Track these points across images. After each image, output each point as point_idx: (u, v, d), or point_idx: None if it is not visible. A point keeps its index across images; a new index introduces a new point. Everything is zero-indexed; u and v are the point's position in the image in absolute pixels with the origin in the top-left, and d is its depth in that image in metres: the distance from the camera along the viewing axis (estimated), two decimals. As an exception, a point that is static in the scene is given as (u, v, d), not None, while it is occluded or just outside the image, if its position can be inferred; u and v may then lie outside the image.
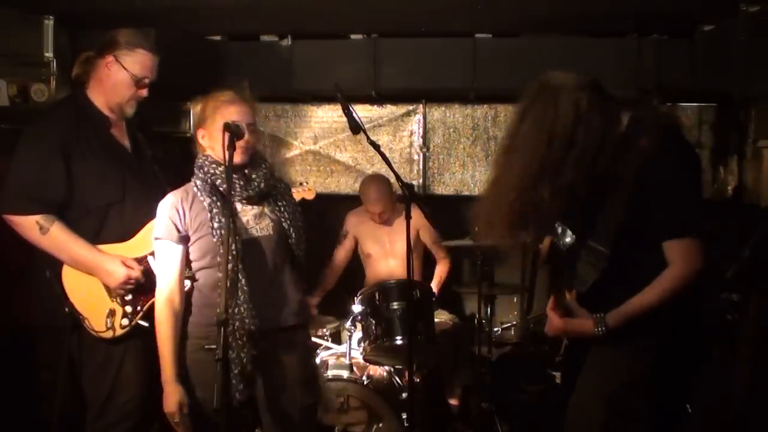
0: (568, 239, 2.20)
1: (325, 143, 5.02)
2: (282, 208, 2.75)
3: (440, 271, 4.53)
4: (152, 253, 2.82)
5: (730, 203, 4.53)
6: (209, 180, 2.66)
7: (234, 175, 2.59)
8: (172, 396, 2.57)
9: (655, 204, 2.09)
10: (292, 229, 2.74)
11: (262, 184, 2.69)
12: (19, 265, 2.94)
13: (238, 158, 2.58)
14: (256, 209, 2.72)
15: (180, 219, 2.65)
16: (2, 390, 3.46)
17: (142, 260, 2.83)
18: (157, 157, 3.01)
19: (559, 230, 2.19)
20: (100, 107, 2.88)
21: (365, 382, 3.58)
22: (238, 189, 2.64)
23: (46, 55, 3.76)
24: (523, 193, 2.13)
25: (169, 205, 2.67)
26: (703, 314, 2.31)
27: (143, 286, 2.81)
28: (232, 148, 2.48)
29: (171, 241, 2.65)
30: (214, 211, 2.60)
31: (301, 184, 3.32)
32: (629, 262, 2.16)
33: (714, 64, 3.95)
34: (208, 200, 2.62)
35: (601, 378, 2.27)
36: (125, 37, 2.85)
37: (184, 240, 2.64)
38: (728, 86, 3.81)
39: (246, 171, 2.68)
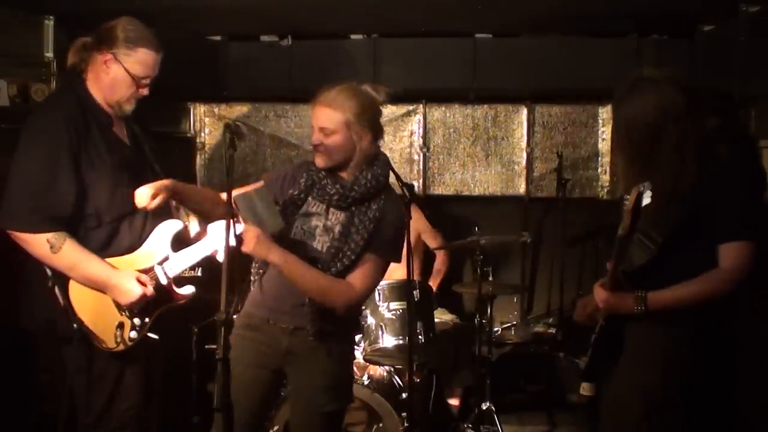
0: (647, 198, 2.25)
1: (325, 143, 5.01)
2: (357, 234, 2.55)
3: (439, 266, 4.53)
4: (160, 263, 2.73)
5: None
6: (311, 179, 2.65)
7: (323, 174, 2.61)
8: None
9: (720, 208, 2.17)
10: (342, 260, 2.54)
11: (350, 192, 2.57)
12: (19, 266, 2.89)
13: (319, 162, 2.60)
14: (331, 219, 2.61)
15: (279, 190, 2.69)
16: (2, 391, 3.46)
17: (150, 271, 2.71)
18: (156, 156, 2.88)
19: (645, 184, 2.23)
20: (100, 102, 2.69)
21: (365, 382, 3.58)
22: (320, 190, 2.61)
23: (46, 55, 3.75)
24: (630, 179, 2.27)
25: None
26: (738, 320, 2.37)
27: (152, 298, 2.69)
28: (232, 148, 2.47)
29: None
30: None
31: None
32: (680, 257, 2.22)
33: (714, 64, 3.96)
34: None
35: (637, 366, 2.31)
36: (125, 33, 2.65)
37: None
38: (728, 86, 3.81)
39: (341, 173, 2.63)
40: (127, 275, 2.63)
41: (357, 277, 2.56)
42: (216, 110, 5.11)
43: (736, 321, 2.32)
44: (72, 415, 2.75)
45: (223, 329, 2.32)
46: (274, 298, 2.64)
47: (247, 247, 2.40)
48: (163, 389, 3.21)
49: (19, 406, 3.50)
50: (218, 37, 4.53)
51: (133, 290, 2.61)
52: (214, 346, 2.39)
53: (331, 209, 2.61)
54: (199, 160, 5.15)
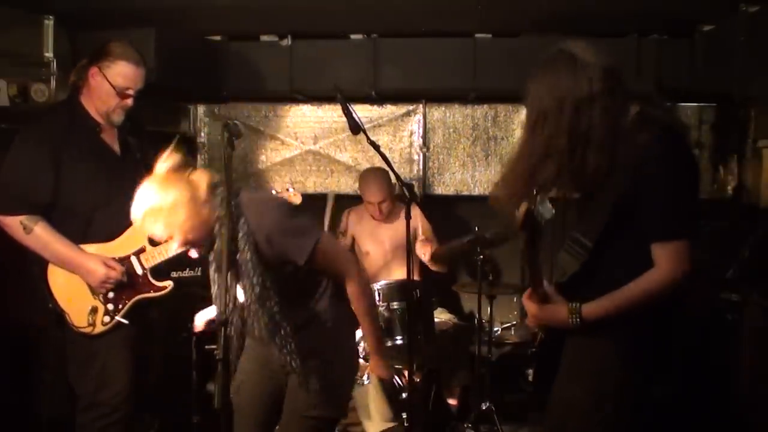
0: (547, 214, 2.05)
1: (325, 143, 5.02)
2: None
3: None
4: (136, 253, 2.95)
5: (729, 203, 4.53)
6: None
7: None
8: None
9: (646, 203, 2.02)
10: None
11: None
12: (15, 261, 2.99)
13: None
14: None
15: None
16: (3, 386, 3.47)
17: (124, 260, 2.93)
18: (147, 161, 3.02)
19: (538, 199, 2.02)
20: (91, 113, 2.96)
21: (365, 382, 3.57)
22: None
23: (46, 55, 3.76)
24: (534, 162, 2.09)
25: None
26: (688, 317, 2.20)
27: (125, 285, 2.92)
28: (230, 147, 2.47)
29: None
30: None
31: (287, 189, 3.27)
32: (613, 258, 2.09)
33: (714, 64, 3.95)
34: None
35: (574, 384, 2.18)
36: (110, 49, 2.92)
37: None
38: (728, 86, 3.81)
39: None
40: (93, 256, 2.88)
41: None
42: (216, 110, 5.11)
43: (680, 327, 2.15)
44: (63, 403, 2.89)
45: (223, 329, 2.33)
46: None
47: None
48: (163, 389, 3.22)
49: (15, 400, 3.50)
50: (218, 37, 4.53)
51: (97, 270, 2.85)
52: (214, 346, 2.39)
53: None
54: (200, 160, 5.15)
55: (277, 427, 2.72)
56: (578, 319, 2.08)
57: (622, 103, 2.07)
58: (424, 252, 4.32)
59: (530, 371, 2.37)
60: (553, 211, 2.04)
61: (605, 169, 2.02)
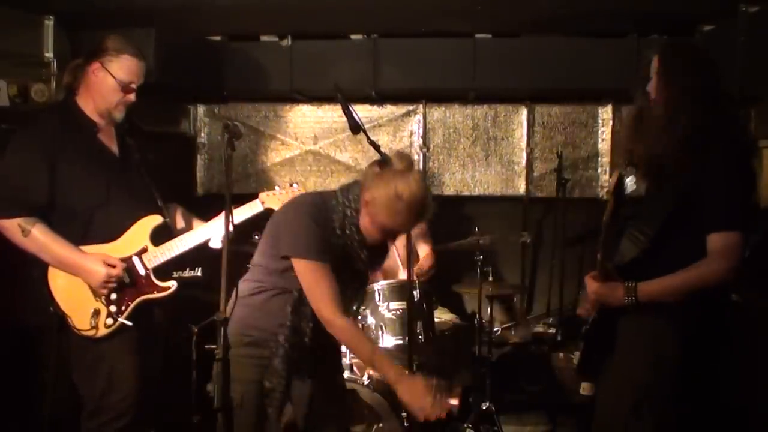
0: (631, 184, 2.28)
1: (325, 143, 5.02)
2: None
3: (422, 262, 4.49)
4: (138, 254, 2.90)
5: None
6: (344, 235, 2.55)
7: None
8: None
9: (707, 197, 2.18)
10: None
11: None
12: (14, 264, 2.96)
13: None
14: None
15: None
16: (1, 389, 3.47)
17: (126, 260, 2.88)
18: (145, 160, 3.03)
19: (628, 170, 2.27)
20: (89, 113, 2.91)
21: (365, 382, 3.58)
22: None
23: (46, 55, 3.76)
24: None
25: (316, 227, 2.53)
26: (732, 314, 2.44)
27: (128, 286, 2.87)
28: (231, 148, 2.47)
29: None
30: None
31: (291, 185, 3.28)
32: (671, 248, 2.24)
33: (714, 64, 3.95)
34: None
35: (628, 359, 2.33)
36: (111, 43, 2.88)
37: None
38: (728, 86, 3.80)
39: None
40: (94, 257, 2.82)
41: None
42: (216, 110, 5.12)
43: (728, 314, 2.34)
44: (63, 407, 2.89)
45: (223, 329, 2.33)
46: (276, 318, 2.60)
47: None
48: (163, 389, 3.21)
49: (15, 403, 3.50)
50: (218, 37, 4.53)
51: (98, 270, 2.80)
52: (214, 346, 2.39)
53: None
54: (199, 160, 5.16)
55: None
56: (634, 298, 2.24)
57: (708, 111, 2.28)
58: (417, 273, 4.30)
59: (574, 355, 2.50)
60: (636, 188, 2.29)
61: (685, 163, 2.21)
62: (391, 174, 2.40)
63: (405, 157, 2.44)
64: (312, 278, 2.48)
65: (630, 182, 2.28)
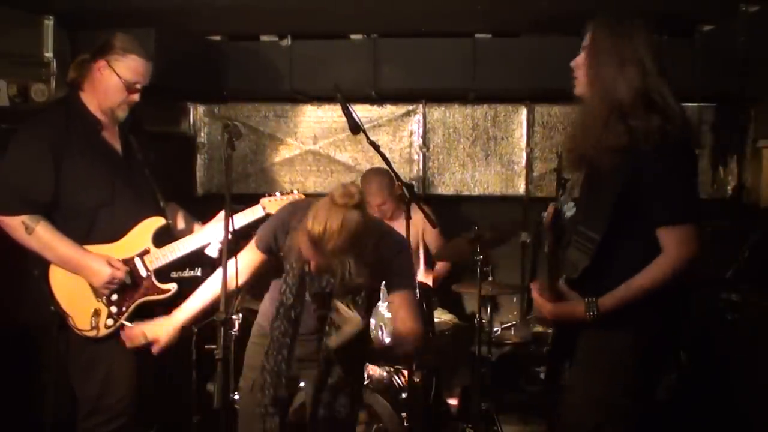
0: (569, 212, 2.20)
1: (325, 143, 5.02)
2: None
3: (440, 269, 4.52)
4: (140, 255, 2.89)
5: (729, 203, 4.53)
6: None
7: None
8: None
9: (651, 190, 2.09)
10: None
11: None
12: (16, 263, 2.95)
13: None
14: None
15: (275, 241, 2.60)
16: (1, 389, 3.47)
17: (128, 261, 2.88)
18: (148, 160, 3.02)
19: (562, 198, 2.21)
20: (93, 110, 2.89)
21: (365, 382, 3.57)
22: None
23: (46, 55, 3.75)
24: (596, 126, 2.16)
25: (278, 221, 2.62)
26: (693, 312, 2.31)
27: (129, 287, 2.86)
28: (231, 148, 2.48)
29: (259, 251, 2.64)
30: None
31: (291, 191, 3.27)
32: (621, 248, 2.15)
33: (714, 64, 3.95)
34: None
35: (589, 377, 2.25)
36: (118, 42, 2.86)
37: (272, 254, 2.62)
38: (728, 86, 3.81)
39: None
40: (97, 257, 2.81)
41: (407, 318, 2.53)
42: (216, 110, 5.12)
43: (683, 313, 2.24)
44: (63, 406, 2.88)
45: (223, 329, 2.33)
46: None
47: None
48: (163, 389, 3.21)
49: (16, 403, 3.50)
50: (218, 37, 4.53)
51: (102, 270, 2.79)
52: (214, 346, 2.39)
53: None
54: (199, 160, 5.16)
55: None
56: (596, 312, 2.14)
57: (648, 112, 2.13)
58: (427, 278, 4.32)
59: (541, 369, 2.43)
60: (575, 210, 2.17)
61: (623, 146, 2.09)
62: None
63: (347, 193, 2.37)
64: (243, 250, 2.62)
65: (568, 208, 2.20)
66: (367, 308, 2.64)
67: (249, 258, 2.63)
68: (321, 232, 2.27)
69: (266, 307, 2.73)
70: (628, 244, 2.15)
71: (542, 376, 2.47)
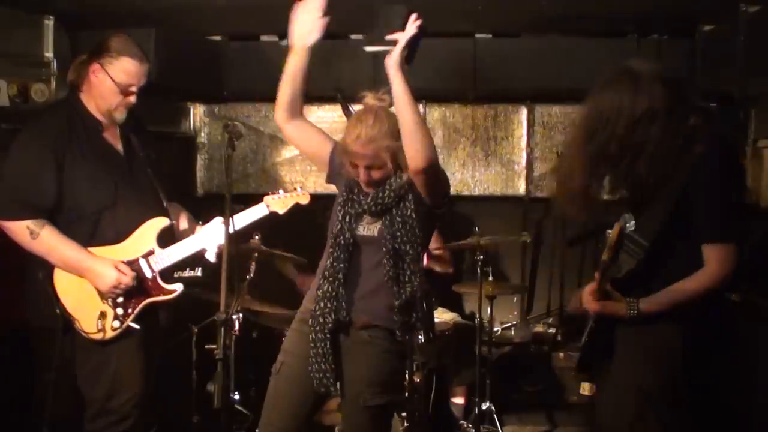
0: (631, 227, 2.29)
1: (325, 143, 5.01)
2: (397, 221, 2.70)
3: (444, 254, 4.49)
4: (145, 256, 2.87)
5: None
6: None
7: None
8: None
9: (700, 207, 2.20)
10: (400, 236, 2.65)
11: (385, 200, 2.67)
12: (17, 264, 2.93)
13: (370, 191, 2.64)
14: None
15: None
16: (2, 389, 3.46)
17: (133, 263, 2.85)
18: (150, 159, 3.00)
19: (626, 216, 2.30)
20: (92, 111, 2.87)
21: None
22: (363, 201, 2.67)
23: (46, 55, 3.75)
24: (587, 173, 2.29)
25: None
26: (731, 313, 2.44)
27: (135, 289, 2.83)
28: (231, 148, 2.49)
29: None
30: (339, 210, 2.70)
31: (295, 189, 3.27)
32: (667, 258, 2.25)
33: (714, 64, 3.95)
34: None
35: (631, 368, 2.33)
36: (112, 44, 2.83)
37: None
38: (728, 86, 3.80)
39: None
40: (104, 260, 2.79)
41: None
42: (216, 110, 5.11)
43: (727, 315, 2.36)
44: (65, 409, 2.85)
45: (222, 329, 2.34)
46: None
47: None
48: (162, 389, 3.21)
49: (18, 405, 3.50)
50: (218, 37, 4.53)
51: (108, 274, 2.76)
52: (214, 346, 2.40)
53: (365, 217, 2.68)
54: (199, 160, 5.16)
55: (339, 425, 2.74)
56: (636, 312, 2.25)
57: (681, 119, 2.22)
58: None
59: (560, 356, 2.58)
60: (635, 224, 2.29)
61: (655, 178, 2.21)
62: None
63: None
64: None
65: (630, 226, 2.30)
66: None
67: (319, 134, 2.86)
68: (363, 126, 2.60)
69: (312, 291, 2.72)
70: (674, 253, 2.25)
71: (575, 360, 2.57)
